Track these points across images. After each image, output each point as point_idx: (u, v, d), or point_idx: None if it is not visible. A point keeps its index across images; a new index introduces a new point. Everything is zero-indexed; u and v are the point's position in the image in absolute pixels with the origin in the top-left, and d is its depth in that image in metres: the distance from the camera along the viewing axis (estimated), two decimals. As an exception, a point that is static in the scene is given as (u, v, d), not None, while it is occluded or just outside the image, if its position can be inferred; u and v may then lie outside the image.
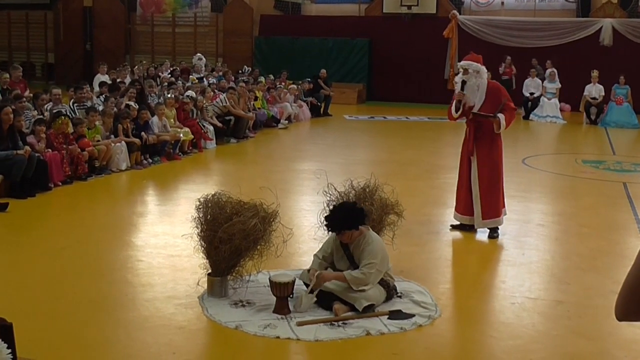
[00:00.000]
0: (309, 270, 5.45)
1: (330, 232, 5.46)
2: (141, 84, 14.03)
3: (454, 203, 7.73)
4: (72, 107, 11.33)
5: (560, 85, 19.29)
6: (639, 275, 2.12)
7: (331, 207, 5.82)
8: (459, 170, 7.67)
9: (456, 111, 7.41)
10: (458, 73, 7.53)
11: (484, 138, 7.40)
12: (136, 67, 18.84)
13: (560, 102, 19.58)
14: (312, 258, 5.56)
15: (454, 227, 7.70)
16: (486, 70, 7.54)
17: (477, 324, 5.18)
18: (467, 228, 7.60)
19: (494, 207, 7.43)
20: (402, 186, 7.89)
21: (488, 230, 7.51)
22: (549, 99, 19.32)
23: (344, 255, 5.40)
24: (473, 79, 7.31)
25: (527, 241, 7.45)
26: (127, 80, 15.88)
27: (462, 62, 7.40)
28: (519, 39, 21.32)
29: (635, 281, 2.08)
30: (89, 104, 11.57)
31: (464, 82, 7.32)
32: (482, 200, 7.40)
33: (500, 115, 7.32)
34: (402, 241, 6.50)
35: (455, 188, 7.78)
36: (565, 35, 20.88)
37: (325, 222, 5.40)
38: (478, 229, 7.54)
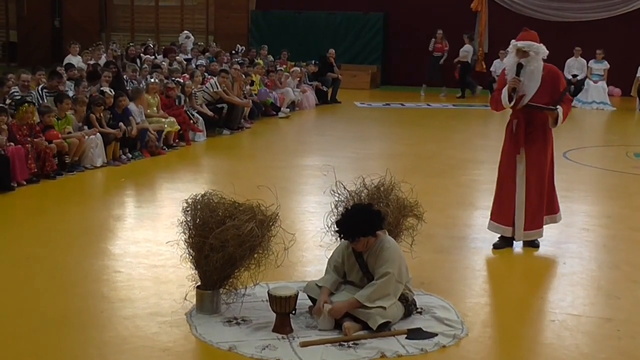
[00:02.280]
0: (318, 286, 5.45)
1: (342, 240, 5.46)
2: (117, 67, 14.06)
3: (489, 208, 7.57)
4: (40, 93, 11.37)
5: (608, 66, 19.27)
6: None
7: (341, 209, 5.83)
8: (499, 171, 7.38)
9: (509, 100, 7.11)
10: (506, 54, 7.50)
11: (534, 133, 7.16)
12: (111, 46, 18.85)
13: (608, 85, 19.55)
14: (324, 271, 5.56)
15: (498, 247, 7.32)
16: (547, 52, 7.21)
17: (510, 345, 5.18)
18: (507, 242, 7.35)
19: (538, 217, 7.25)
20: (422, 184, 7.90)
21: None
22: (595, 81, 19.31)
23: (356, 264, 5.41)
24: (534, 62, 7.06)
25: (569, 248, 7.45)
26: (103, 61, 15.90)
27: (521, 43, 7.06)
28: (560, 11, 21.28)
29: None
30: (63, 89, 11.61)
31: (520, 66, 7.05)
32: (527, 208, 7.18)
33: (559, 108, 7.05)
34: (423, 248, 6.50)
35: (493, 193, 7.47)
36: (616, 6, 20.81)
37: (336, 229, 5.40)
38: (516, 241, 7.34)
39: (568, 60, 19.92)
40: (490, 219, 7.42)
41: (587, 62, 19.64)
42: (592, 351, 5.11)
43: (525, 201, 7.17)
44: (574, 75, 19.65)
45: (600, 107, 18.84)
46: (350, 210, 5.46)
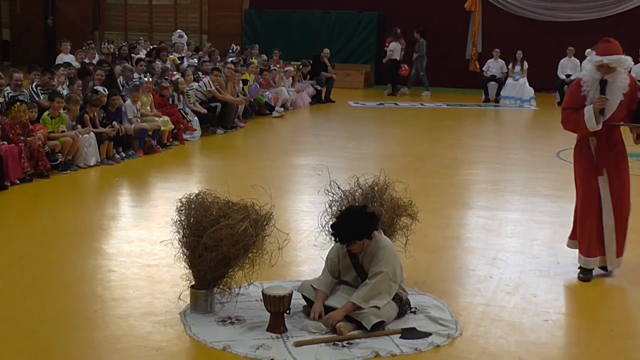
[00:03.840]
0: (313, 288, 5.45)
1: (337, 243, 5.46)
2: (110, 65, 14.04)
3: (482, 208, 7.43)
4: (35, 90, 11.36)
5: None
6: None
7: (335, 209, 5.84)
8: (581, 196, 6.63)
9: (597, 122, 6.28)
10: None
11: (612, 151, 6.49)
12: (103, 45, 18.81)
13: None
14: (318, 270, 5.56)
15: (586, 280, 6.52)
16: (632, 63, 6.54)
17: (504, 345, 5.19)
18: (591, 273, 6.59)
19: (625, 241, 6.60)
20: (416, 184, 7.91)
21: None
22: (589, 82, 19.31)
23: (350, 264, 5.41)
24: (621, 78, 6.30)
25: (562, 248, 7.44)
26: (96, 60, 15.88)
27: (607, 59, 6.18)
28: (553, 11, 21.33)
29: None
30: (58, 88, 11.61)
31: (604, 82, 6.25)
32: (618, 233, 6.50)
33: None
34: (417, 248, 6.50)
35: (575, 219, 6.78)
36: (608, 7, 20.87)
37: (331, 232, 5.40)
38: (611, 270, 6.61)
39: (561, 60, 19.98)
40: (582, 253, 6.57)
41: (580, 62, 19.67)
42: (585, 351, 5.13)
43: (616, 225, 6.48)
44: (567, 75, 19.70)
45: (593, 107, 18.87)
46: (345, 214, 5.45)
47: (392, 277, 5.29)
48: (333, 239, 5.40)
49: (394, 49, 21.00)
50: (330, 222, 5.55)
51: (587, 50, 6.51)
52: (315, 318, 5.25)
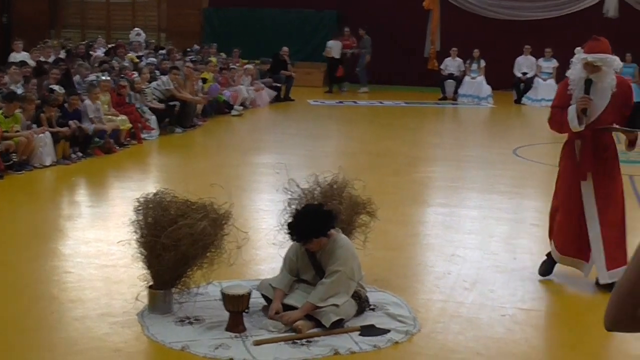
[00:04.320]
0: (272, 286, 5.45)
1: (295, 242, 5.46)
2: (66, 64, 13.88)
3: (442, 205, 7.42)
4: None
5: (557, 64, 19.53)
6: (630, 282, 2.21)
7: (294, 207, 5.83)
8: (558, 200, 6.37)
9: (580, 123, 6.04)
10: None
11: (600, 155, 6.15)
12: (56, 42, 18.59)
13: (557, 83, 19.84)
14: (278, 269, 5.56)
15: (545, 273, 6.44)
16: (620, 64, 6.20)
17: (462, 340, 5.23)
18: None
19: (622, 251, 6.07)
20: (375, 182, 7.94)
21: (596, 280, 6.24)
22: (545, 79, 19.57)
23: (309, 263, 5.42)
24: (607, 79, 6.01)
25: (519, 244, 7.55)
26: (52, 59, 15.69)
27: (592, 56, 5.93)
28: (510, 10, 21.55)
29: (626, 289, 2.17)
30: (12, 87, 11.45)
31: (589, 82, 5.99)
32: (605, 244, 6.07)
33: None
34: (376, 245, 6.53)
35: (555, 220, 6.43)
36: (564, 5, 21.15)
37: (288, 231, 5.40)
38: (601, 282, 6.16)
39: (518, 58, 20.17)
40: (558, 252, 6.34)
41: (537, 60, 19.92)
42: (541, 344, 5.21)
43: (602, 237, 6.09)
44: (524, 73, 19.91)
45: (549, 105, 19.07)
46: (302, 212, 5.45)
47: (350, 275, 5.30)
48: (290, 237, 5.39)
49: (332, 46, 21.05)
50: (288, 221, 5.55)
51: (577, 48, 6.22)
52: (273, 316, 5.24)
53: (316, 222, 5.28)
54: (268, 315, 5.31)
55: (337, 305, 5.18)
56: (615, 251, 6.03)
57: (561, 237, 6.29)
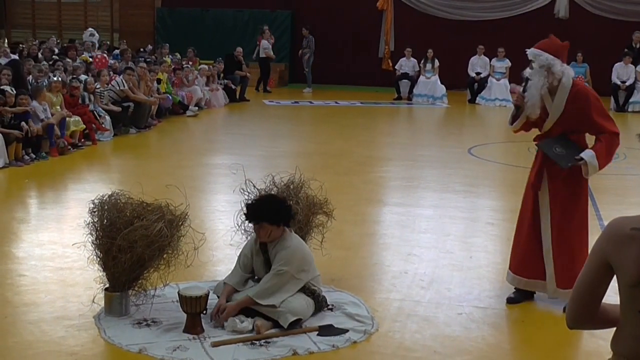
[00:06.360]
0: (223, 283, 5.45)
1: (247, 222, 5.50)
2: (18, 65, 13.66)
3: (397, 205, 7.45)
4: None
5: (510, 64, 19.77)
6: (588, 281, 2.25)
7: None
8: (520, 212, 6.01)
9: (513, 121, 5.81)
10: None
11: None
12: (2, 42, 18.33)
13: (510, 82, 20.08)
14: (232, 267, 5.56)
15: (513, 301, 5.91)
16: (571, 71, 5.68)
17: (419, 339, 5.27)
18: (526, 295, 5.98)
19: (576, 270, 4.89)
20: (331, 182, 7.95)
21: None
22: (498, 79, 19.81)
23: (262, 261, 5.43)
24: (540, 78, 5.56)
25: (474, 242, 7.62)
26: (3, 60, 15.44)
27: (530, 50, 5.66)
28: (463, 10, 21.77)
29: (584, 287, 2.21)
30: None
31: (527, 80, 5.64)
32: (556, 258, 5.71)
33: (588, 154, 5.52)
34: (333, 245, 6.55)
35: (513, 238, 6.11)
36: (515, 6, 21.42)
37: (245, 209, 5.43)
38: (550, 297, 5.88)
39: (472, 59, 20.37)
40: (510, 270, 5.98)
41: (490, 60, 20.13)
42: (498, 341, 5.26)
43: (553, 249, 5.73)
44: (478, 73, 20.11)
45: (502, 104, 19.30)
46: (264, 196, 5.59)
47: (297, 275, 5.31)
48: (245, 217, 5.43)
49: (267, 46, 21.02)
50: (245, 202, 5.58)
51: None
52: (216, 313, 5.24)
53: (272, 207, 5.34)
54: (212, 311, 5.28)
55: (274, 306, 5.15)
56: (567, 269, 5.59)
57: (515, 256, 5.95)
